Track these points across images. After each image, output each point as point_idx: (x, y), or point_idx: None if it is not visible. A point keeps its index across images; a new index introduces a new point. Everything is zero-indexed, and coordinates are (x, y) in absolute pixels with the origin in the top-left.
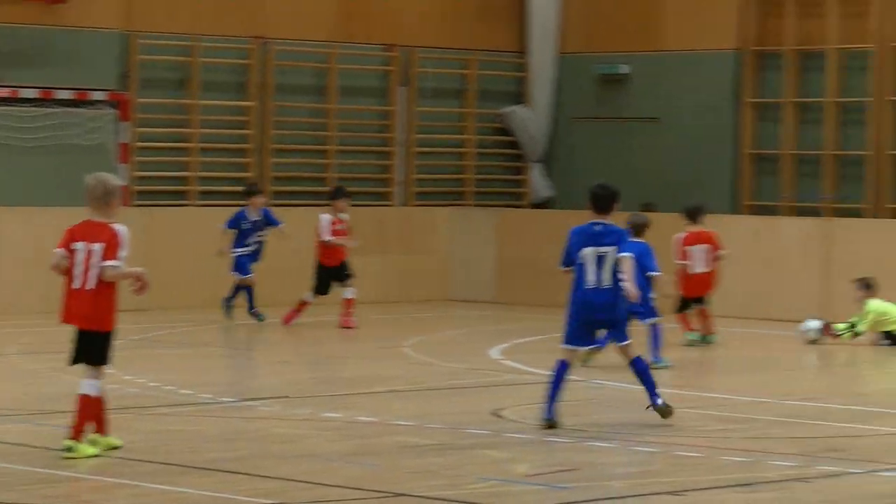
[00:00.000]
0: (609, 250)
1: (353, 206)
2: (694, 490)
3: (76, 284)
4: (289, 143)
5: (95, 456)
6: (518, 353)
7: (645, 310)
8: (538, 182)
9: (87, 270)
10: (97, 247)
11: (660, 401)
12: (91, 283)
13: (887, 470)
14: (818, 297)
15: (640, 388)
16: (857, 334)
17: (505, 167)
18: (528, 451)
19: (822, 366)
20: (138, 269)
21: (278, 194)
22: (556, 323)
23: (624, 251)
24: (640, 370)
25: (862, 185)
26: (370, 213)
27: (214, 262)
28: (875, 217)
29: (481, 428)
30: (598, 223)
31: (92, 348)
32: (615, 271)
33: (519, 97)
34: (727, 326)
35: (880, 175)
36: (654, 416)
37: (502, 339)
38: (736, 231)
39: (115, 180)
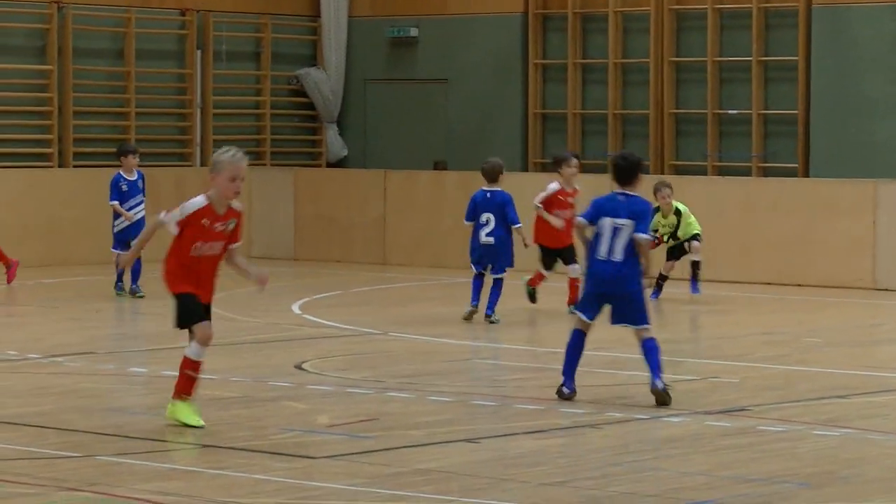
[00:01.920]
0: (626, 223)
1: (155, 166)
2: (489, 437)
3: None
4: (89, 106)
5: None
6: (317, 308)
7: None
8: (333, 142)
9: None
10: None
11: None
12: None
13: (670, 416)
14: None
15: (434, 340)
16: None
17: (301, 128)
18: (330, 403)
19: None
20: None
21: (79, 155)
22: (352, 278)
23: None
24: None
25: (646, 144)
26: (170, 173)
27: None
28: (658, 174)
29: (284, 380)
30: (621, 193)
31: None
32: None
33: (312, 60)
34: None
35: (661, 133)
36: (449, 367)
37: (302, 295)
38: (527, 188)
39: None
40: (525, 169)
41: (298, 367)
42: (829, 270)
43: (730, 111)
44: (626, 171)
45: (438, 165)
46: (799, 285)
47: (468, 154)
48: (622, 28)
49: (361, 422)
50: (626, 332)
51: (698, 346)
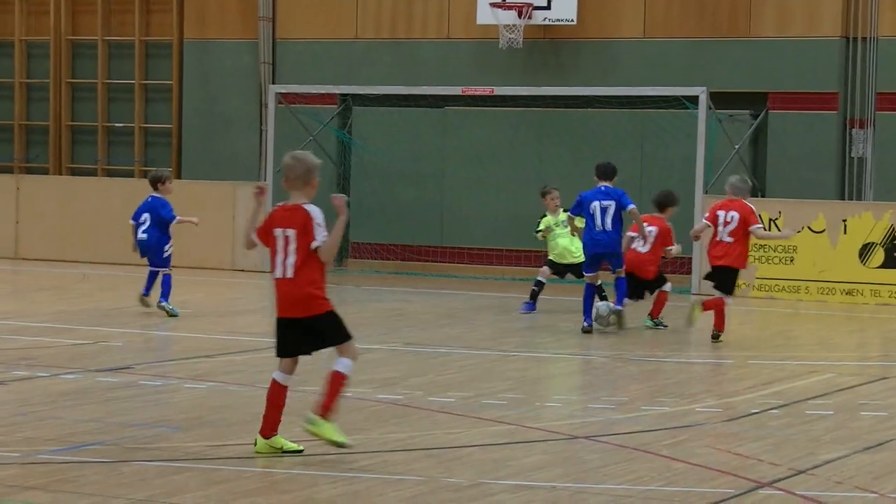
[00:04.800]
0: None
1: None
2: None
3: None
4: None
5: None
6: None
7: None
8: None
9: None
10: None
11: (620, 307)
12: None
13: (66, 374)
14: (10, 239)
15: None
16: None
17: None
18: None
19: (15, 292)
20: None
21: None
22: None
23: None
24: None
25: (46, 150)
26: None
27: None
28: (57, 174)
29: None
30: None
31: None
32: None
33: None
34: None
35: (60, 141)
36: None
37: None
38: None
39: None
40: None
41: None
42: (199, 255)
43: (116, 124)
44: (611, 170)
45: None
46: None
47: None
48: (27, 53)
49: None
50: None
51: (89, 315)
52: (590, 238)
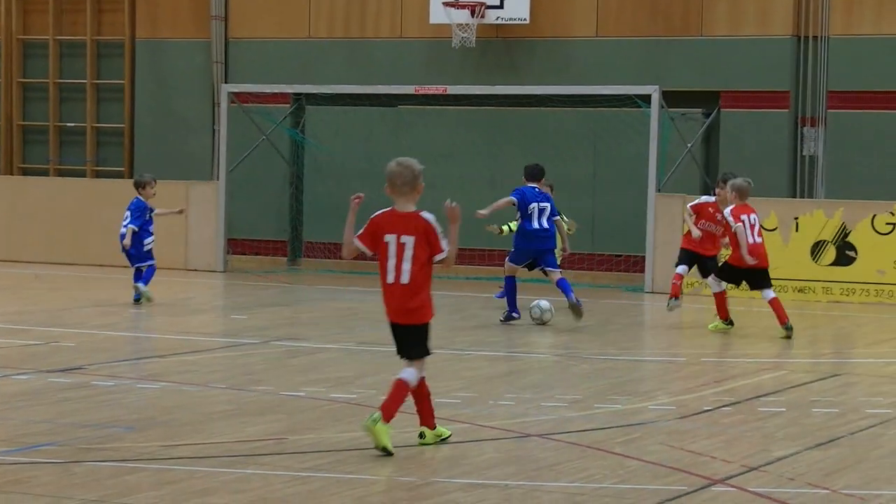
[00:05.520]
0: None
1: None
2: None
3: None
4: None
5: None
6: None
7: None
8: None
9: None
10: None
11: (573, 297)
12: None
13: (18, 374)
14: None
15: None
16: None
17: None
18: None
19: None
20: None
21: None
22: None
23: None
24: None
25: None
26: None
27: None
28: (8, 174)
29: None
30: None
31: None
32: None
33: None
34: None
35: (11, 141)
36: None
37: None
38: None
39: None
40: None
41: None
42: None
43: (68, 124)
44: (540, 172)
45: None
46: (126, 267)
47: None
48: None
49: None
50: None
51: (41, 316)
52: (530, 233)
